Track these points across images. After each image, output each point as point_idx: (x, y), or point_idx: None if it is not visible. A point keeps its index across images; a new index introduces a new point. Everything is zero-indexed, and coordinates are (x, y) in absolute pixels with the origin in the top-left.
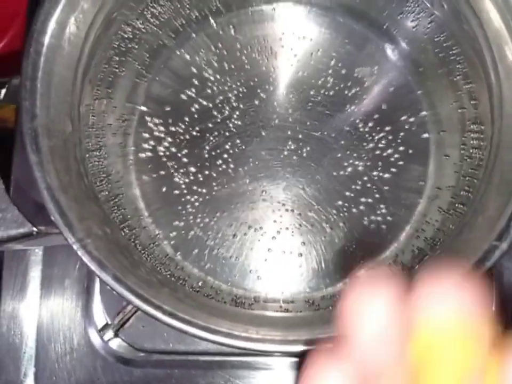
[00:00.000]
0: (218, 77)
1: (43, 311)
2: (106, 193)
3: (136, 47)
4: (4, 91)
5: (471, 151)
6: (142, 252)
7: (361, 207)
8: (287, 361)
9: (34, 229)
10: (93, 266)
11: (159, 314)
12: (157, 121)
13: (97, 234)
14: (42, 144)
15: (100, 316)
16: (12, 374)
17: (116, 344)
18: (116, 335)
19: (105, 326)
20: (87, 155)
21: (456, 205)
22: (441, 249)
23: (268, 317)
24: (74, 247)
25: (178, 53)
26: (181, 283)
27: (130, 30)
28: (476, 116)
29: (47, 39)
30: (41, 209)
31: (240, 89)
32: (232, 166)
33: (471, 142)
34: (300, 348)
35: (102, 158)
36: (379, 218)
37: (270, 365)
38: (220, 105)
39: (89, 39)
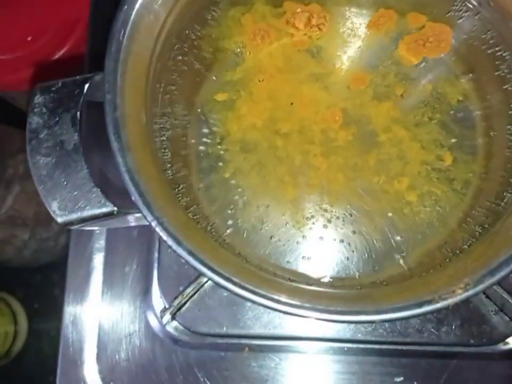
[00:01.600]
0: None
1: (105, 296)
2: (173, 181)
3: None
4: (87, 86)
5: None
6: (206, 234)
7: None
8: (334, 347)
9: (115, 208)
10: (170, 242)
11: (229, 285)
12: (215, 117)
13: (171, 214)
14: (123, 132)
15: (158, 300)
16: (75, 354)
17: (173, 327)
18: (173, 319)
19: (163, 310)
20: (157, 146)
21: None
22: (485, 239)
23: (320, 291)
24: (153, 224)
25: None
26: (243, 263)
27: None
28: None
29: (124, 40)
30: (120, 192)
31: None
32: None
33: None
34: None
35: (168, 149)
36: (428, 208)
37: (318, 350)
38: None
39: (158, 42)
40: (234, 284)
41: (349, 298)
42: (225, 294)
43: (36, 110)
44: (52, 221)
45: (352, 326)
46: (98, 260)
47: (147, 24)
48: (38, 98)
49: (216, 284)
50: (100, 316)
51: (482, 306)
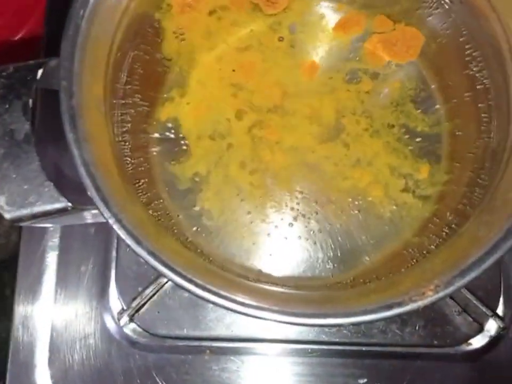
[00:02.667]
0: None
1: (58, 296)
2: (133, 175)
3: None
4: (40, 72)
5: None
6: (167, 232)
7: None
8: (297, 348)
9: (70, 204)
10: (129, 241)
11: (191, 287)
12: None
13: (130, 210)
14: (79, 122)
15: (115, 301)
16: (26, 357)
17: (131, 329)
18: (131, 320)
19: (121, 312)
20: (116, 139)
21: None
22: (453, 240)
23: (286, 293)
24: (110, 221)
25: None
26: (206, 263)
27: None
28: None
29: (83, 23)
30: (76, 187)
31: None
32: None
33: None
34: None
35: (128, 142)
36: (393, 207)
37: (281, 352)
38: None
39: (120, 27)
40: (197, 285)
41: (315, 300)
42: (186, 295)
43: None
44: (1, 217)
45: (317, 327)
46: (51, 258)
47: (108, 7)
48: None
49: (177, 285)
50: (52, 317)
51: (445, 307)
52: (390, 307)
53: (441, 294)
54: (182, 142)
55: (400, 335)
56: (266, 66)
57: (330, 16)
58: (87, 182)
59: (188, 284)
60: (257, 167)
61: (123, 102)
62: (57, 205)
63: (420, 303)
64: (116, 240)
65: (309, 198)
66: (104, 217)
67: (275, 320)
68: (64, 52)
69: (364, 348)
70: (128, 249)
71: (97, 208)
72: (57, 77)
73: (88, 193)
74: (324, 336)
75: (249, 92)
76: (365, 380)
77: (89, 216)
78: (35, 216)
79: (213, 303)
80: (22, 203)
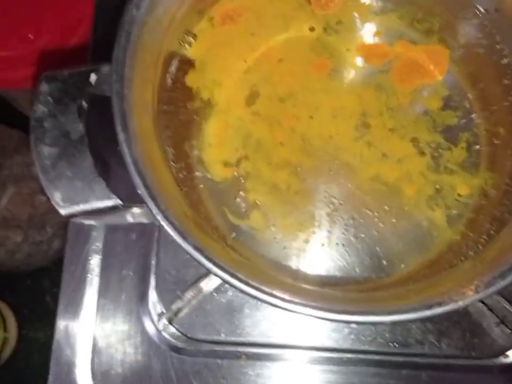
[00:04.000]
0: None
1: (101, 299)
2: (177, 179)
3: None
4: (93, 76)
5: None
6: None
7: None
8: (333, 356)
9: (120, 202)
10: (176, 236)
11: (234, 281)
12: None
13: (176, 208)
14: (130, 124)
15: (155, 305)
16: (68, 359)
17: (169, 333)
18: (170, 324)
19: (160, 314)
20: (163, 143)
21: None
22: (491, 245)
23: (324, 292)
24: (158, 217)
25: None
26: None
27: None
28: None
29: (134, 30)
30: (125, 185)
31: None
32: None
33: None
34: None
35: (172, 147)
36: (430, 214)
37: (317, 359)
38: None
39: (167, 35)
40: (240, 280)
41: (354, 299)
42: (224, 300)
43: (41, 98)
44: (46, 224)
45: (352, 335)
46: (94, 262)
47: (156, 16)
48: (44, 87)
49: (222, 279)
50: (94, 319)
51: (483, 319)
52: (430, 306)
53: (482, 294)
54: None
55: (437, 346)
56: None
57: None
58: (137, 179)
59: (231, 278)
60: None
61: (168, 107)
62: (109, 202)
63: (461, 303)
64: (156, 245)
65: (344, 204)
66: (153, 213)
67: (316, 317)
68: (116, 57)
69: (400, 358)
70: (168, 254)
71: (146, 205)
72: (108, 82)
73: (138, 191)
74: (359, 345)
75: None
76: None
77: (133, 217)
78: (87, 212)
79: (255, 297)
80: (75, 200)
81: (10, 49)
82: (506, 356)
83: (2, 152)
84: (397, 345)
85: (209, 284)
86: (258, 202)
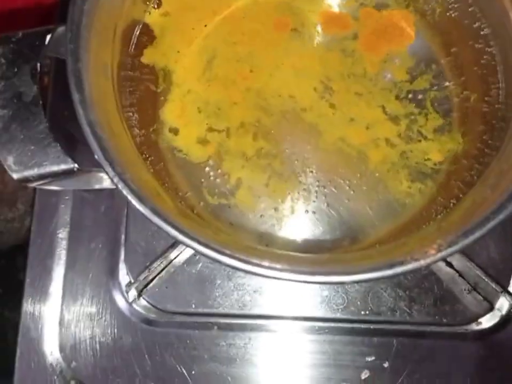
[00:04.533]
0: None
1: (69, 273)
2: (140, 145)
3: None
4: (48, 37)
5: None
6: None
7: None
8: (304, 325)
9: (76, 165)
10: (132, 199)
11: (194, 244)
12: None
13: (135, 173)
14: (85, 84)
15: (124, 277)
16: (37, 331)
17: (140, 305)
18: (140, 296)
19: (129, 284)
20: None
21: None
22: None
23: (292, 255)
24: (115, 180)
25: None
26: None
27: None
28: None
29: None
30: (83, 149)
31: None
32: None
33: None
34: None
35: (135, 112)
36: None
37: (287, 329)
38: None
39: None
40: (200, 243)
41: (320, 261)
42: (194, 271)
43: None
44: (17, 201)
45: (324, 304)
46: (62, 235)
47: None
48: None
49: (183, 244)
50: (62, 292)
51: (455, 286)
52: (391, 266)
53: (443, 253)
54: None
55: (408, 313)
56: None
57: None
58: (92, 141)
59: (192, 242)
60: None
61: (131, 74)
62: (64, 166)
63: (422, 262)
64: (124, 218)
65: (316, 171)
66: (109, 176)
67: (278, 278)
68: (71, 17)
69: (372, 326)
70: (136, 227)
71: (102, 168)
72: (64, 43)
73: (95, 155)
74: (331, 314)
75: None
76: (373, 358)
77: (97, 182)
78: (42, 177)
79: (216, 260)
80: (29, 163)
81: None
82: (479, 323)
83: None
84: (368, 313)
85: (179, 256)
86: (230, 168)
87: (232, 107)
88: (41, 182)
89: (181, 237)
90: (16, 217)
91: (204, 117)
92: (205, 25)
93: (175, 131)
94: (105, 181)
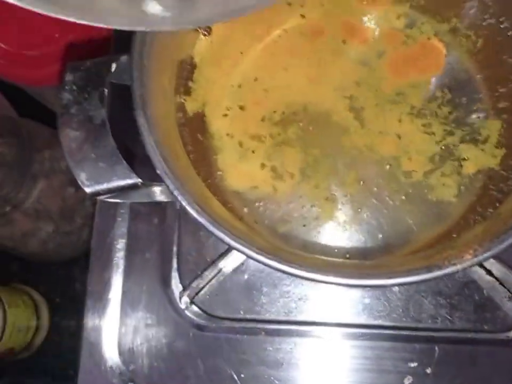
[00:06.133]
0: None
1: (126, 281)
2: (193, 161)
3: None
4: (114, 65)
5: None
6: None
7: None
8: (347, 331)
9: (140, 180)
10: (191, 210)
11: (249, 252)
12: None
13: (193, 186)
14: (149, 107)
15: (177, 285)
16: (98, 337)
17: (192, 311)
18: (192, 303)
19: (182, 293)
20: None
21: None
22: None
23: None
24: (175, 193)
25: None
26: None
27: None
28: None
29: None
30: (145, 166)
31: None
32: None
33: None
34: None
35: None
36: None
37: (331, 335)
38: None
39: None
40: (255, 251)
41: (361, 267)
42: (242, 279)
43: (66, 87)
44: (75, 215)
45: (366, 311)
46: (120, 246)
47: None
48: (69, 76)
49: (238, 250)
50: (120, 300)
51: (495, 293)
52: (429, 269)
53: (479, 258)
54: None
55: (450, 320)
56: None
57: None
58: (155, 158)
59: (246, 249)
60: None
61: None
62: (130, 181)
63: (459, 266)
64: (177, 229)
65: (357, 181)
66: (170, 190)
67: (318, 280)
68: (134, 47)
69: (413, 333)
70: (188, 237)
71: (163, 182)
72: (128, 71)
73: (157, 170)
74: (373, 320)
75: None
76: (416, 364)
77: (157, 195)
78: (110, 191)
79: (269, 265)
80: (99, 179)
81: (37, 49)
82: None
83: (32, 147)
84: (409, 320)
85: (228, 264)
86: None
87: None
88: (109, 195)
89: (233, 243)
90: (74, 230)
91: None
92: (241, 53)
93: None
94: (162, 194)
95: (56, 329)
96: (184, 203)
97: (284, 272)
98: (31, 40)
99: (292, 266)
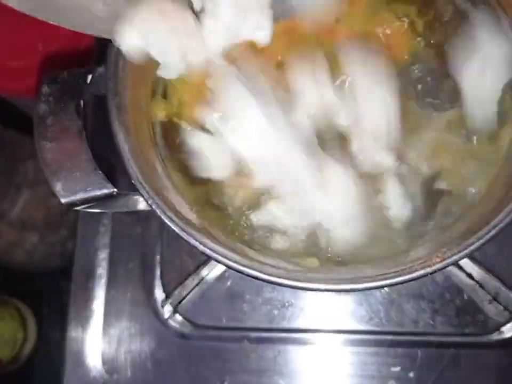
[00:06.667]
0: None
1: (109, 291)
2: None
3: None
4: (90, 77)
5: None
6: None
7: None
8: (330, 337)
9: (115, 189)
10: (165, 218)
11: (224, 259)
12: None
13: (166, 194)
14: (124, 116)
15: (160, 294)
16: (81, 346)
17: (175, 320)
18: (175, 311)
19: (164, 300)
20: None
21: None
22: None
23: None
24: (149, 201)
25: None
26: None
27: None
28: None
29: None
30: (120, 176)
31: None
32: None
33: None
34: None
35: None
36: None
37: (314, 341)
38: None
39: None
40: (229, 258)
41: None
42: (225, 287)
43: (43, 98)
44: (60, 225)
45: (348, 316)
46: (102, 256)
47: None
48: (45, 88)
49: (211, 257)
50: (104, 310)
51: (476, 296)
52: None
53: (448, 261)
54: None
55: (431, 325)
56: None
57: None
58: (130, 168)
59: (218, 256)
60: None
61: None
62: (105, 191)
63: (428, 270)
64: (159, 239)
65: None
66: (144, 198)
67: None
68: (110, 58)
69: (396, 337)
70: (170, 247)
71: (138, 191)
72: (104, 82)
73: (132, 180)
74: (356, 326)
75: None
76: (399, 368)
77: (133, 204)
78: (86, 201)
79: (232, 268)
80: (75, 189)
81: (20, 60)
82: (501, 332)
83: (16, 157)
84: (392, 325)
85: (211, 272)
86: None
87: None
88: (85, 205)
89: (208, 251)
90: (60, 240)
91: None
92: None
93: None
94: (140, 203)
95: (44, 341)
96: (158, 211)
97: (262, 280)
98: (15, 51)
99: (268, 274)
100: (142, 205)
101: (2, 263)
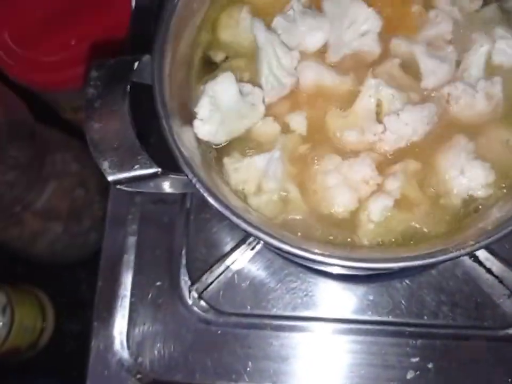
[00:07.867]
0: None
1: (136, 277)
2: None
3: None
4: (136, 64)
5: None
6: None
7: None
8: (351, 327)
9: (160, 169)
10: (208, 196)
11: (261, 234)
12: None
13: (208, 176)
14: (168, 103)
15: (186, 281)
16: (105, 332)
17: (199, 306)
18: (200, 298)
19: (191, 289)
20: None
21: None
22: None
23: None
24: (193, 180)
25: None
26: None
27: None
28: None
29: (171, 27)
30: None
31: None
32: None
33: None
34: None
35: None
36: None
37: (335, 330)
38: None
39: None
40: (270, 235)
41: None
42: (250, 276)
43: (91, 83)
44: (83, 217)
45: (371, 307)
46: (130, 243)
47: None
48: (94, 73)
49: (248, 232)
50: (130, 295)
51: (495, 291)
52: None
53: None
54: None
55: (451, 317)
56: None
57: None
58: (175, 150)
59: (257, 231)
60: None
61: None
62: (150, 170)
63: (462, 252)
64: (186, 227)
65: None
66: (188, 178)
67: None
68: (155, 47)
69: (416, 329)
70: (197, 235)
71: (183, 171)
72: (149, 70)
73: (178, 162)
74: (377, 317)
75: None
76: (417, 359)
77: (169, 186)
78: (131, 180)
79: (284, 250)
80: (121, 168)
81: (53, 55)
82: None
83: (44, 150)
84: (412, 316)
85: (236, 261)
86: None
87: None
88: (130, 183)
89: (249, 228)
90: (81, 232)
91: None
92: None
93: None
94: (173, 187)
95: (62, 331)
96: (202, 190)
97: (295, 255)
98: (49, 47)
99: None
100: (172, 188)
101: (25, 253)
